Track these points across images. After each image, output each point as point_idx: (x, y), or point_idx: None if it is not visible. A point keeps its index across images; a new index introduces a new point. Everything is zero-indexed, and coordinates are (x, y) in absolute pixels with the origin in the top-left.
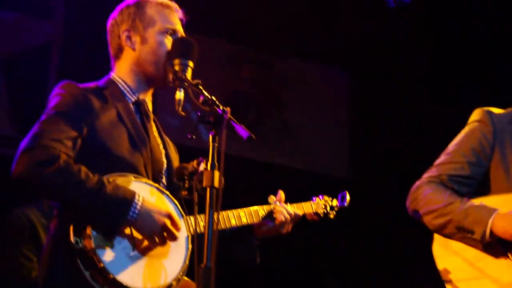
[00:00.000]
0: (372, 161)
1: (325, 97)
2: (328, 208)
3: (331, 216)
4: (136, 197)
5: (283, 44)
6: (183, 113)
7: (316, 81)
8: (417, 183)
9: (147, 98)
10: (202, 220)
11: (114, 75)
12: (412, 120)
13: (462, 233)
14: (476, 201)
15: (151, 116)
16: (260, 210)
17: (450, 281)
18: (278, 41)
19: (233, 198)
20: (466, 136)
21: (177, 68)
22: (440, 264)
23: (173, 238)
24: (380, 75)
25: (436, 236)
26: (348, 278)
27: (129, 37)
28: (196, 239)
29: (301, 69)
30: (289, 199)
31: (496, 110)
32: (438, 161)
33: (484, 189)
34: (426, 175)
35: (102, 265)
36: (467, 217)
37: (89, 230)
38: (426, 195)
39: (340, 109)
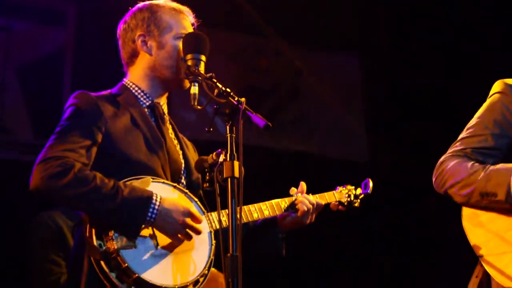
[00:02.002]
0: (390, 143)
1: (339, 83)
2: (352, 196)
3: (356, 205)
4: (154, 197)
5: (292, 32)
6: (199, 107)
7: (328, 67)
8: (442, 158)
9: (162, 101)
10: (224, 215)
11: (127, 80)
12: (428, 99)
13: (486, 199)
14: (497, 165)
15: (167, 118)
16: (282, 202)
17: (482, 256)
18: (287, 30)
19: (253, 188)
20: (488, 108)
21: (190, 63)
22: (472, 239)
23: (196, 232)
24: (392, 56)
25: (464, 211)
26: (368, 261)
27: (144, 42)
28: (221, 233)
29: (312, 57)
30: (310, 186)
31: None
32: (461, 135)
33: (510, 159)
34: (450, 150)
35: (126, 265)
36: (489, 181)
37: (111, 233)
38: (450, 168)
39: (354, 93)
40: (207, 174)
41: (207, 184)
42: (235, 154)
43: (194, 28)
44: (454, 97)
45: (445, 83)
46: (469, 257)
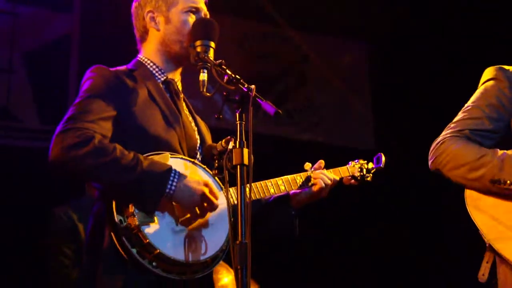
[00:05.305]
0: (397, 130)
1: (346, 70)
2: (365, 171)
3: (369, 179)
4: (173, 170)
5: (299, 18)
6: (208, 94)
7: (335, 54)
8: (439, 138)
9: (176, 78)
10: (234, 194)
11: (141, 56)
12: (436, 87)
13: (497, 186)
14: (509, 151)
15: (181, 95)
16: (297, 178)
17: (492, 241)
18: (294, 16)
19: (261, 176)
20: (482, 94)
21: (199, 49)
22: (480, 225)
23: (213, 206)
24: (400, 42)
25: (469, 197)
26: (376, 245)
27: (153, 18)
28: (230, 213)
29: (319, 43)
30: None
31: (507, 67)
32: (456, 118)
33: (509, 143)
34: (447, 131)
35: (147, 241)
36: (502, 169)
37: (131, 208)
38: (454, 149)
39: (362, 80)
40: (216, 161)
41: (216, 171)
42: (245, 141)
43: (206, 3)
44: (462, 84)
45: (453, 70)
46: (478, 245)
